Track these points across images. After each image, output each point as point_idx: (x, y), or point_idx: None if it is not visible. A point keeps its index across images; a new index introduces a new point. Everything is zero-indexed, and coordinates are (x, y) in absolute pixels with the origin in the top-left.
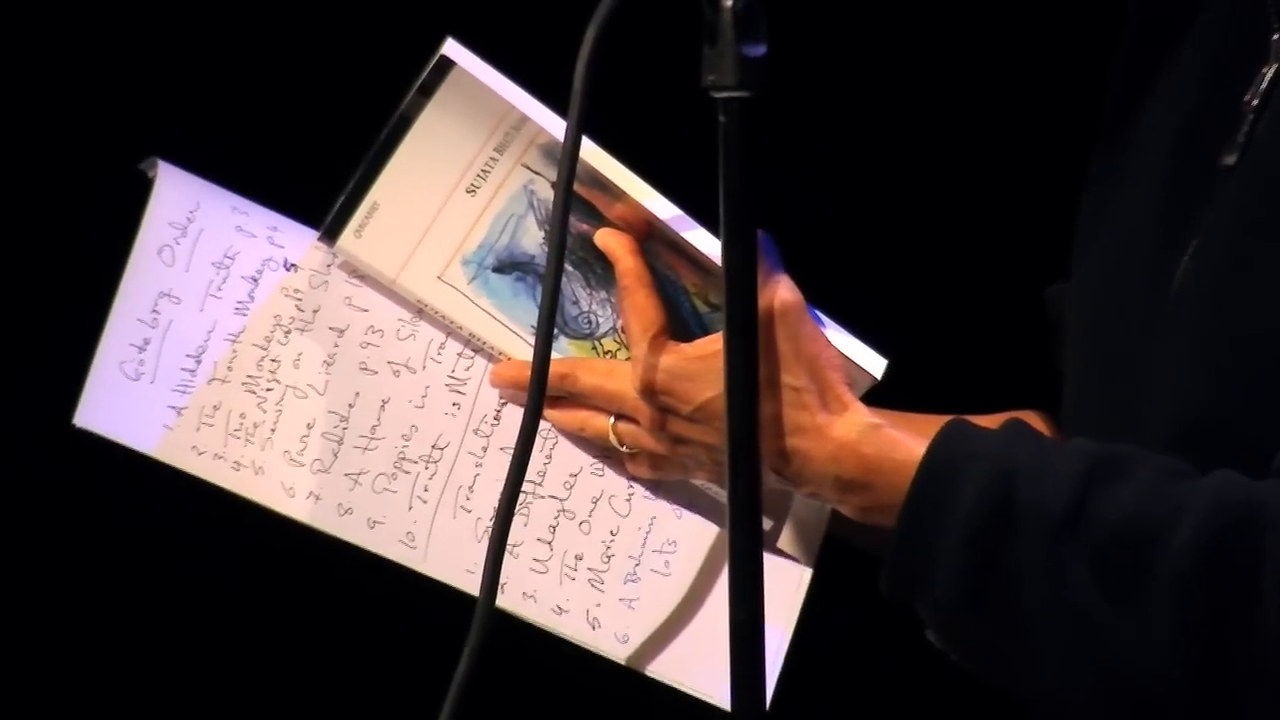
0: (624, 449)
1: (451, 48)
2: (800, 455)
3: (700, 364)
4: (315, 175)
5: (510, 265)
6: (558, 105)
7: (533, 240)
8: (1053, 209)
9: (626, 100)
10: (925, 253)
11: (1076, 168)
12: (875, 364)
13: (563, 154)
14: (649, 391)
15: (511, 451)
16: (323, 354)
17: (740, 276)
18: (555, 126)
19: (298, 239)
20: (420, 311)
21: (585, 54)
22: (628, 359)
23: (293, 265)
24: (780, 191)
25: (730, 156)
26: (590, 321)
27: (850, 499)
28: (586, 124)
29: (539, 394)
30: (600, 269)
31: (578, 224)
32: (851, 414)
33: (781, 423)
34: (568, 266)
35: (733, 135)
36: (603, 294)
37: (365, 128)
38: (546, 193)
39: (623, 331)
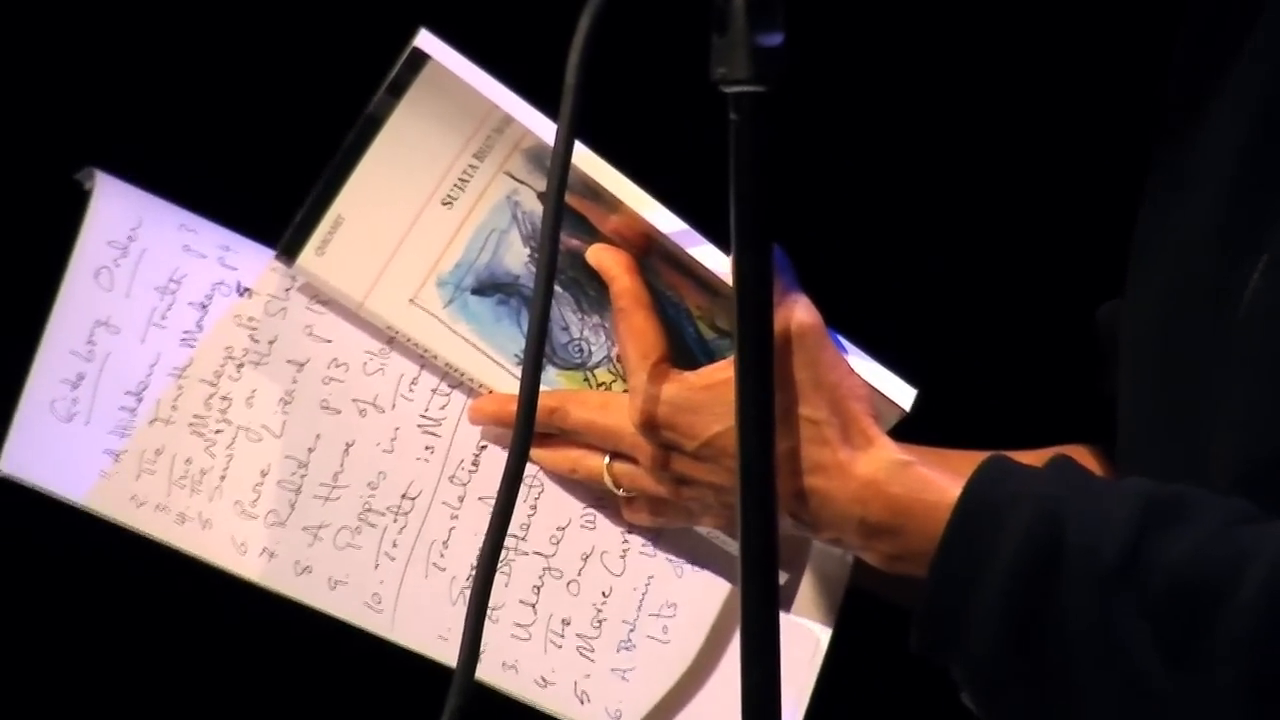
0: (620, 492)
1: (425, 40)
2: (820, 496)
3: (707, 394)
4: (273, 186)
5: (491, 286)
6: (545, 105)
7: (517, 258)
8: (1104, 220)
9: (624, 97)
10: (959, 268)
11: (1130, 176)
12: (903, 394)
13: (553, 157)
14: (649, 426)
15: (492, 501)
16: (279, 391)
17: (753, 294)
18: (543, 128)
19: (252, 259)
20: (390, 341)
21: (578, 44)
22: (624, 391)
23: (246, 290)
24: (796, 199)
25: (743, 159)
26: (582, 349)
27: (876, 545)
28: (579, 125)
29: (526, 431)
30: (593, 290)
31: (568, 239)
32: (877, 449)
33: (799, 460)
34: (556, 288)
35: (746, 135)
36: (595, 318)
37: (328, 131)
38: (532, 204)
39: (618, 360)
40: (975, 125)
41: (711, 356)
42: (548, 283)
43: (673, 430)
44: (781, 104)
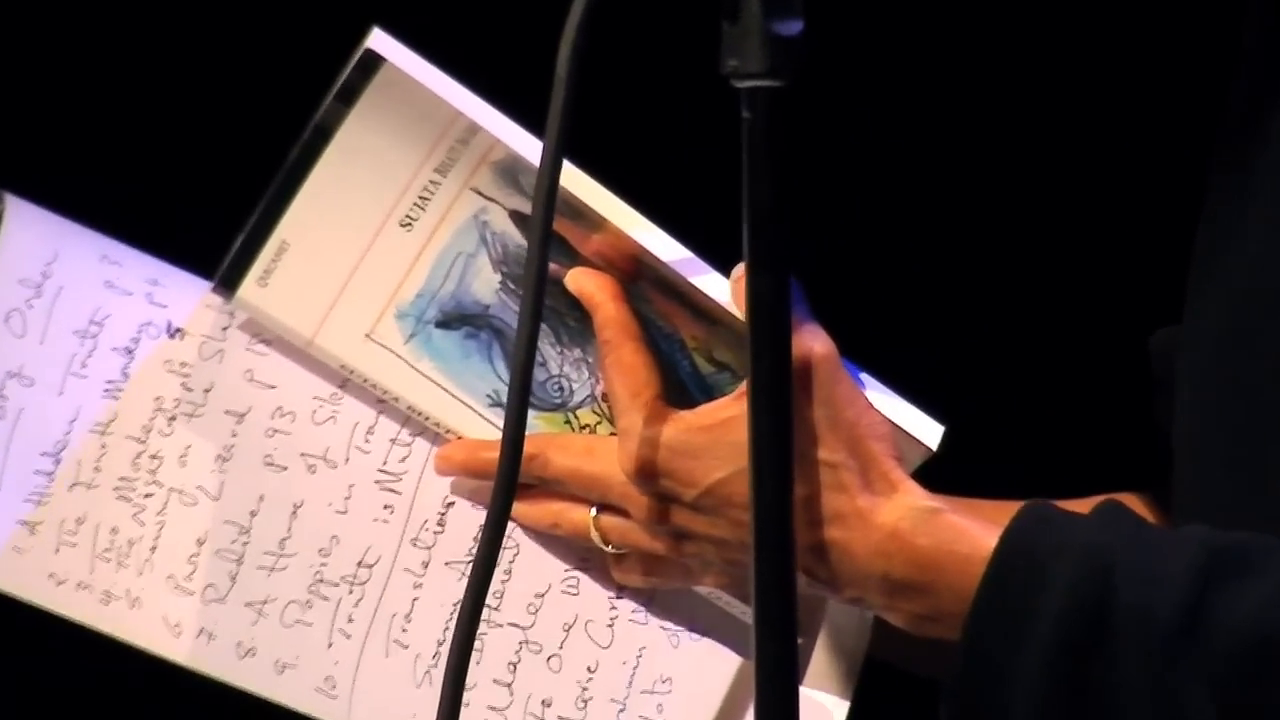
0: (609, 549)
1: (379, 40)
2: (838, 549)
3: (707, 436)
4: (208, 208)
5: (458, 318)
6: (514, 112)
7: (486, 285)
8: (1154, 239)
9: (613, 96)
10: (991, 290)
11: (1182, 190)
12: (930, 432)
13: (543, 155)
14: (642, 473)
15: (461, 566)
16: (217, 446)
17: (769, 320)
18: (514, 138)
19: (184, 295)
20: (343, 384)
21: (571, 31)
22: (612, 434)
23: (178, 330)
24: (808, 211)
25: (757, 165)
26: (562, 388)
27: (901, 605)
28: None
29: (509, 481)
30: (574, 320)
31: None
32: (902, 495)
33: (814, 509)
34: None
35: (760, 137)
36: (577, 352)
37: (269, 144)
38: (503, 224)
39: (604, 399)
40: (1012, 131)
41: (710, 393)
42: (536, 304)
43: (669, 477)
44: (801, 101)
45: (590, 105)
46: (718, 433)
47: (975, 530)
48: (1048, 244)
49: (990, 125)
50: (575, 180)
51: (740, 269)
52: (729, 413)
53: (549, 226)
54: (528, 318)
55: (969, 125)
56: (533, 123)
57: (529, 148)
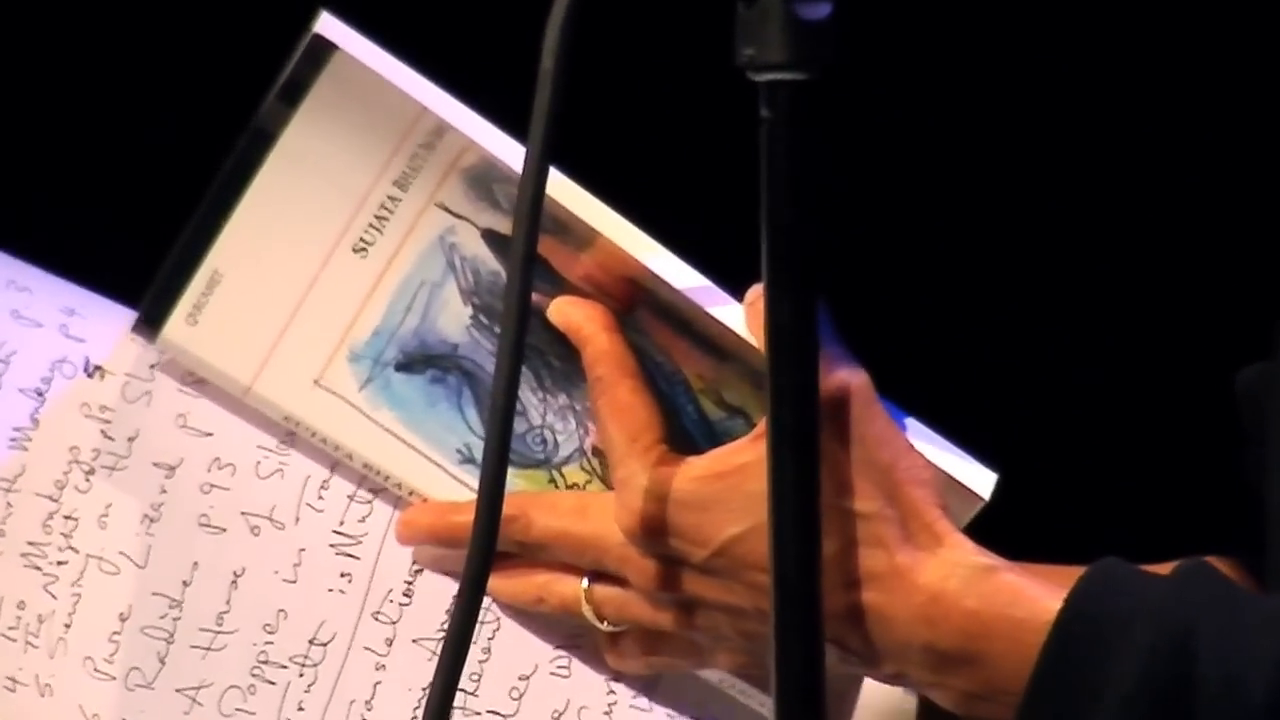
0: (604, 626)
1: (328, 25)
2: (875, 616)
3: (719, 485)
4: (133, 226)
5: (422, 360)
6: (491, 113)
7: (455, 320)
8: (1242, 254)
9: (614, 92)
10: (1051, 321)
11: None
12: (981, 480)
13: (526, 164)
14: (645, 530)
15: (429, 644)
16: (143, 505)
17: (792, 349)
18: (489, 138)
19: (106, 326)
20: (291, 435)
21: (558, 17)
22: (605, 490)
23: (97, 368)
24: (841, 227)
25: (778, 172)
26: (545, 441)
27: (949, 680)
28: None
29: (486, 541)
30: (558, 360)
31: None
32: (948, 550)
33: (846, 568)
34: None
35: (782, 139)
36: (562, 399)
37: (201, 153)
38: (474, 246)
39: (595, 454)
40: (1072, 142)
41: (717, 442)
42: (518, 336)
43: (676, 535)
44: (830, 98)
45: (581, 104)
46: (732, 481)
47: (1035, 591)
48: (1113, 265)
49: (1048, 131)
50: (561, 188)
51: (757, 291)
52: (744, 458)
53: (533, 242)
54: (508, 351)
55: (1021, 125)
56: (512, 126)
57: (506, 151)
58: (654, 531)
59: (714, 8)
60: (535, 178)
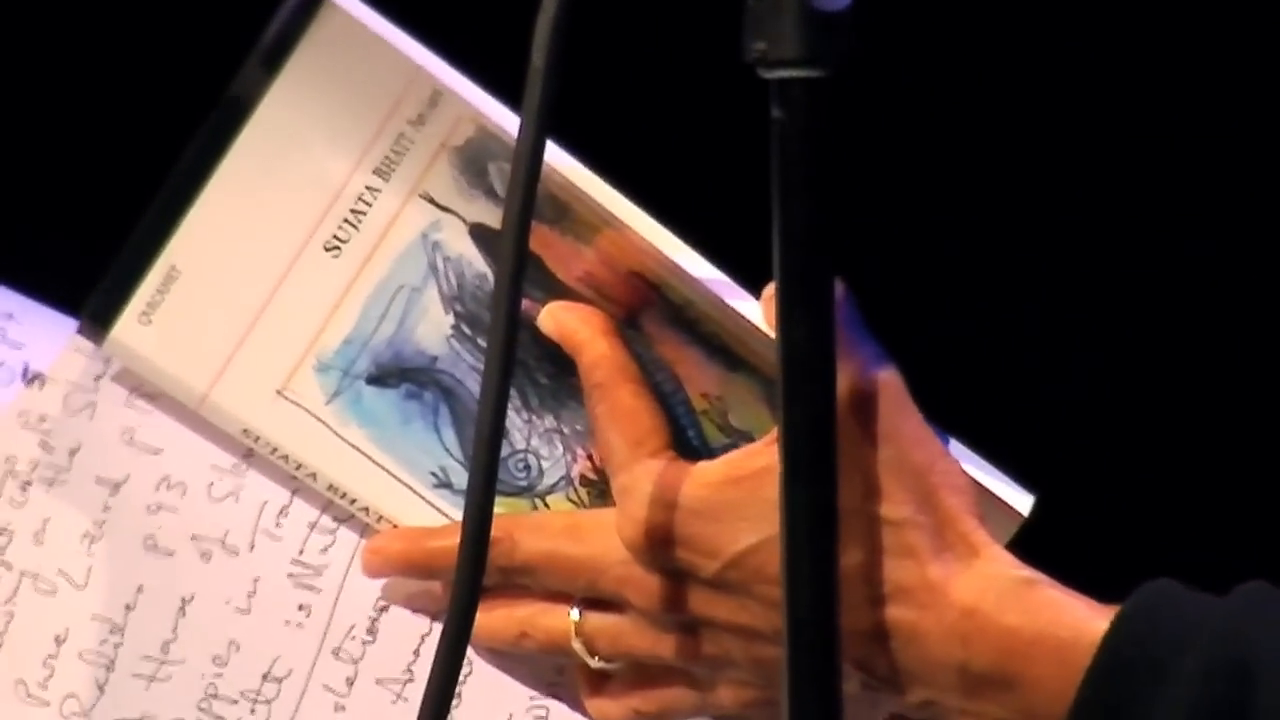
0: (594, 663)
1: None
2: (904, 634)
3: (733, 492)
4: (79, 223)
5: (397, 373)
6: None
7: (435, 329)
8: None
9: (612, 91)
10: (1097, 329)
11: None
12: (1018, 497)
13: (513, 171)
14: (650, 542)
15: (394, 687)
16: (84, 522)
17: (806, 371)
18: (488, 106)
19: (46, 332)
20: (248, 456)
21: (550, 8)
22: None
23: (37, 376)
24: (862, 237)
25: (792, 174)
26: (529, 467)
27: (984, 706)
28: (547, 125)
29: (473, 572)
30: (546, 378)
31: None
32: (985, 563)
33: (872, 581)
34: None
35: (796, 141)
36: (549, 420)
37: (159, 134)
38: (460, 244)
39: (583, 484)
40: (1123, 141)
41: None
42: (508, 341)
43: (686, 547)
44: (848, 97)
45: (575, 102)
46: (748, 487)
47: (1080, 610)
48: (1158, 276)
49: (1094, 129)
50: (564, 166)
51: (773, 286)
52: (761, 461)
53: (523, 250)
54: (498, 353)
55: (1062, 122)
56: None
57: (509, 123)
58: (660, 543)
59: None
60: (522, 197)
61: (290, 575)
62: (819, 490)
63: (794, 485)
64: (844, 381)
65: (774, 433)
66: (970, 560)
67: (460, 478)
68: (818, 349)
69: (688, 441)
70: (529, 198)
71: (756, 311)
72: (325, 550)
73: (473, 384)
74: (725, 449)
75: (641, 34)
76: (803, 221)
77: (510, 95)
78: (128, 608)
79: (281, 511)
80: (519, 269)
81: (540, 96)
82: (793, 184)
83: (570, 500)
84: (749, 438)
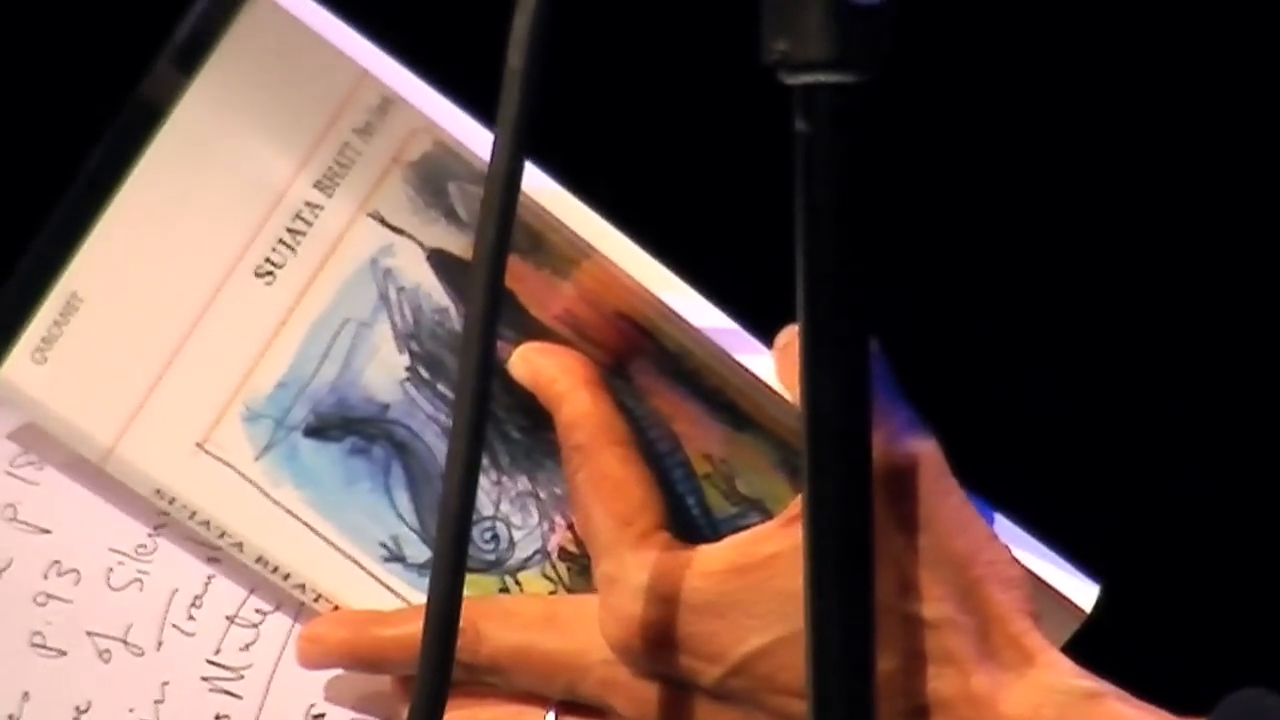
0: None
1: None
2: None
3: (739, 583)
4: None
5: (340, 423)
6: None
7: (386, 372)
8: None
9: (604, 97)
10: (1161, 398)
11: None
12: (1082, 590)
13: (488, 188)
14: (641, 644)
15: None
16: None
17: (838, 423)
18: (447, 117)
19: None
20: (159, 527)
21: (530, 4)
22: (579, 593)
23: None
24: (898, 267)
25: (820, 194)
26: (498, 537)
27: None
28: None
29: (438, 670)
30: (518, 431)
31: None
32: (1041, 671)
33: (910, 692)
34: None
35: (824, 156)
36: (522, 482)
37: (59, 142)
38: (416, 272)
39: (561, 557)
40: (1177, 140)
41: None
42: (480, 391)
43: (684, 649)
44: (884, 106)
45: (561, 112)
46: (756, 578)
47: None
48: (1235, 326)
49: (1145, 135)
50: (542, 192)
51: (791, 333)
52: (772, 547)
53: (498, 281)
54: (469, 404)
55: (1121, 141)
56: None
57: (470, 135)
58: (653, 644)
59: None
60: (500, 211)
61: (205, 679)
62: (851, 583)
63: (821, 576)
64: (873, 454)
65: (789, 510)
66: (1022, 669)
67: (415, 550)
68: (851, 412)
69: (687, 511)
70: (506, 221)
71: (768, 366)
72: (247, 647)
73: (431, 437)
74: (732, 520)
75: (638, 29)
76: (833, 256)
77: (477, 102)
78: (11, 717)
79: (194, 601)
80: (493, 306)
81: (518, 103)
82: (820, 210)
83: (547, 577)
84: (761, 507)
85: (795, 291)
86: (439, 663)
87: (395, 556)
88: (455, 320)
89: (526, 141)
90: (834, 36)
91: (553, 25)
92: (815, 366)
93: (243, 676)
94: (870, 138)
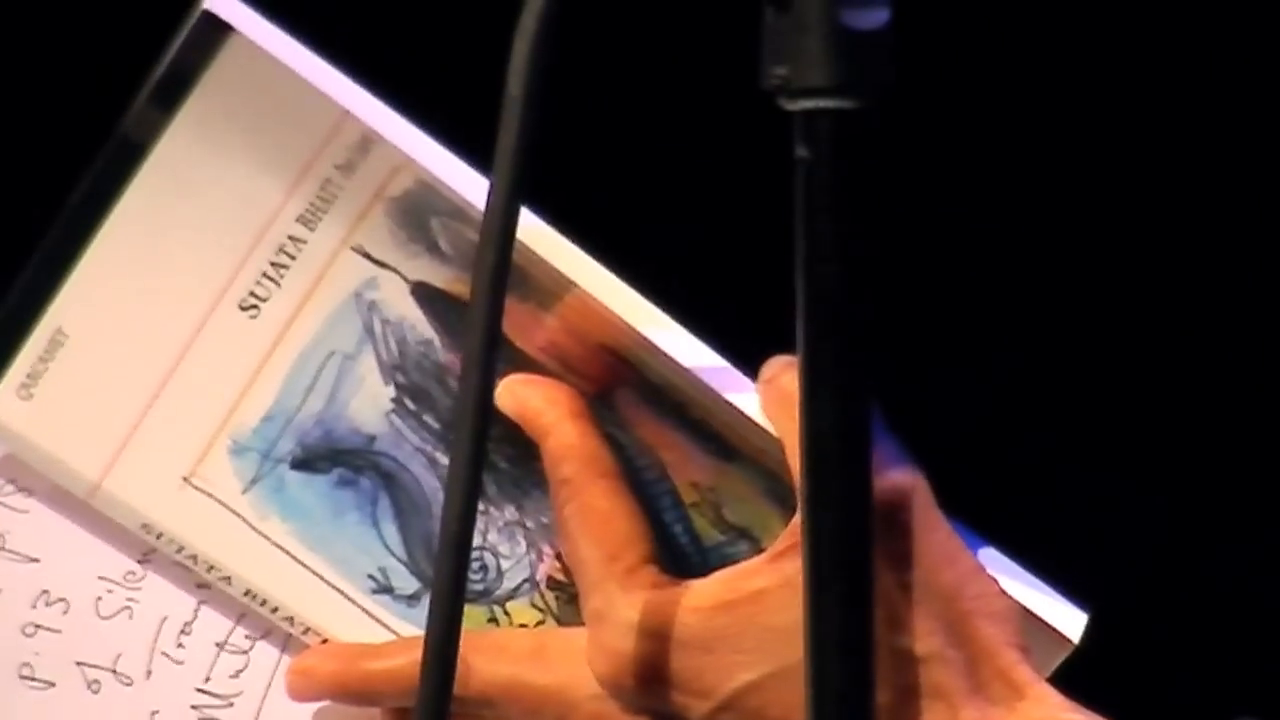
0: None
1: (220, 1)
2: None
3: (728, 619)
4: None
5: (327, 455)
6: (440, 132)
7: (372, 403)
8: None
9: (603, 123)
10: (1154, 424)
11: None
12: (1068, 619)
13: (488, 216)
14: (630, 679)
15: None
16: None
17: (839, 459)
18: (427, 154)
19: None
20: (146, 557)
21: (530, 26)
22: (569, 626)
23: None
24: (900, 296)
25: (820, 224)
26: (486, 568)
27: None
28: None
29: (437, 704)
30: (505, 462)
31: (456, 366)
32: (1031, 705)
33: None
34: (443, 459)
35: (825, 184)
36: (509, 511)
37: (45, 178)
38: (400, 305)
39: (550, 586)
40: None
41: (715, 570)
42: (480, 421)
43: (673, 685)
44: (886, 132)
45: (557, 140)
46: (745, 613)
47: None
48: (1237, 354)
49: (1155, 165)
50: (523, 225)
51: (775, 366)
52: (760, 583)
53: (497, 313)
54: (468, 435)
55: (1119, 162)
56: (482, 162)
57: (450, 172)
58: (641, 680)
59: (734, 14)
60: (499, 239)
61: (195, 707)
62: (849, 616)
63: (820, 608)
64: None
65: (777, 545)
66: (1012, 702)
67: (403, 581)
68: (851, 442)
69: (675, 540)
70: (504, 254)
71: (753, 400)
72: (237, 675)
73: (418, 468)
74: (720, 549)
75: (640, 56)
76: (834, 284)
77: (458, 137)
78: None
79: (184, 629)
80: (492, 340)
81: (518, 131)
82: (821, 237)
83: (535, 607)
84: (749, 535)
85: (776, 324)
86: (437, 697)
87: (383, 588)
88: (440, 352)
89: (529, 165)
90: (835, 62)
91: (554, 47)
92: (814, 391)
93: (232, 704)
94: (871, 164)
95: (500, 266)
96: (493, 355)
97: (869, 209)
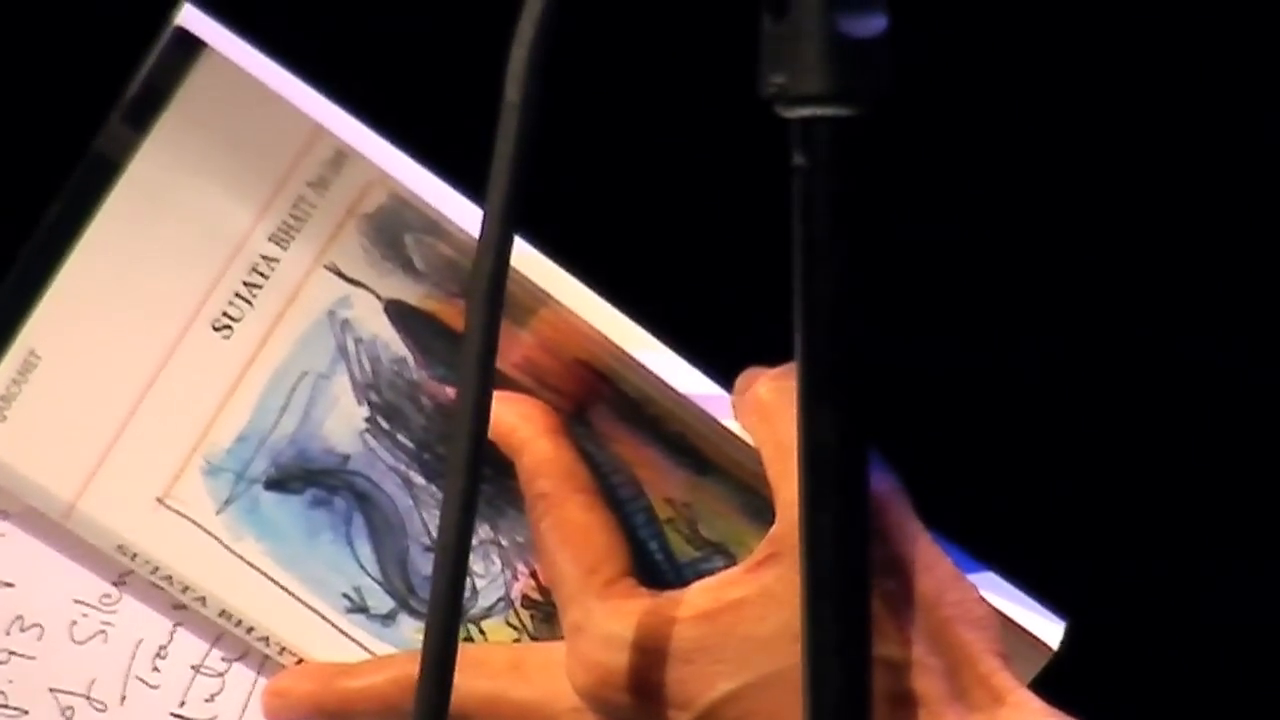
0: None
1: (194, 18)
2: None
3: (707, 630)
4: None
5: (301, 475)
6: (424, 161)
7: (345, 423)
8: None
9: (598, 130)
10: (1129, 434)
11: None
12: (1048, 628)
13: (486, 227)
14: (609, 691)
15: None
16: None
17: (834, 473)
18: (402, 169)
19: None
20: (121, 579)
21: (527, 31)
22: (547, 641)
23: None
24: (895, 306)
25: (818, 235)
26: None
27: None
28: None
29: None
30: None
31: (432, 383)
32: (1012, 711)
33: None
34: (417, 478)
35: (822, 193)
36: (484, 530)
37: (14, 197)
38: (373, 324)
39: (524, 605)
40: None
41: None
42: (477, 434)
43: (652, 697)
44: (884, 140)
45: (551, 149)
46: (724, 624)
47: None
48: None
49: (1157, 170)
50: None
51: (750, 376)
52: (740, 592)
53: (494, 334)
54: (464, 455)
55: (1121, 167)
56: (455, 177)
57: (425, 187)
58: (621, 692)
59: (732, 21)
60: (496, 252)
61: None
62: (848, 621)
63: (818, 615)
64: None
65: (755, 555)
66: (992, 709)
67: (378, 600)
68: (849, 450)
69: (650, 556)
70: (502, 259)
71: (729, 413)
72: (213, 698)
73: (392, 487)
74: (695, 564)
75: (636, 62)
76: (831, 292)
77: (432, 154)
78: None
79: (159, 652)
80: (490, 344)
81: (516, 138)
82: (819, 246)
83: (510, 625)
84: (724, 551)
85: (754, 334)
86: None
87: (358, 607)
88: (413, 370)
89: (528, 174)
90: (832, 69)
91: (551, 59)
92: (813, 401)
93: None
94: (869, 171)
95: (498, 271)
96: (492, 357)
97: (867, 216)
